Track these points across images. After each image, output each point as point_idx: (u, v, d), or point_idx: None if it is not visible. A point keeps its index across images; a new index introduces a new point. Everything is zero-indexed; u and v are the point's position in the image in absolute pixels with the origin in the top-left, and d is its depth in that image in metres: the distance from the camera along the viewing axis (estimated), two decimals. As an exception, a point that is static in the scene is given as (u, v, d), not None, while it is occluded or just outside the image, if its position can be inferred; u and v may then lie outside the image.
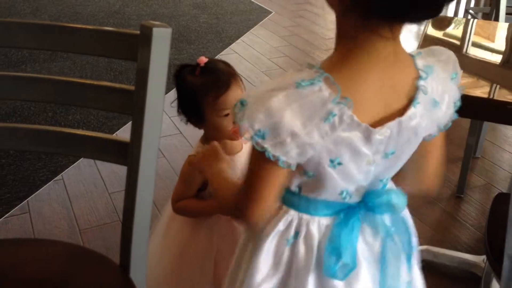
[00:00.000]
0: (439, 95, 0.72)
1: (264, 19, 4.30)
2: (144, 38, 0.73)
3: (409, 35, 4.06)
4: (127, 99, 0.76)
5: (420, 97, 0.69)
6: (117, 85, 0.77)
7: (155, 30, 0.72)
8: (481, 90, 1.29)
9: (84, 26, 0.76)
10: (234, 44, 3.71)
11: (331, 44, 3.82)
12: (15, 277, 0.83)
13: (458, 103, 0.76)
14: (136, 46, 0.74)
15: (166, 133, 2.39)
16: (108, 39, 0.77)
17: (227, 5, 4.67)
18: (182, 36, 3.75)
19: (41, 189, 1.98)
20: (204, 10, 4.45)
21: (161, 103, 0.76)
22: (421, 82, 0.69)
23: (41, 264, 0.86)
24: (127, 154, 0.77)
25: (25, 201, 1.91)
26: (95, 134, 0.81)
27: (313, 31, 4.07)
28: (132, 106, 0.75)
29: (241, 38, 3.85)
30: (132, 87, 0.76)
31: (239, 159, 1.12)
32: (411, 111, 0.68)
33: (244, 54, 3.54)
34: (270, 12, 4.48)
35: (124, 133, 2.39)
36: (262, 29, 4.09)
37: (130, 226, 0.77)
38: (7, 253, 0.89)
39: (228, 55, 3.49)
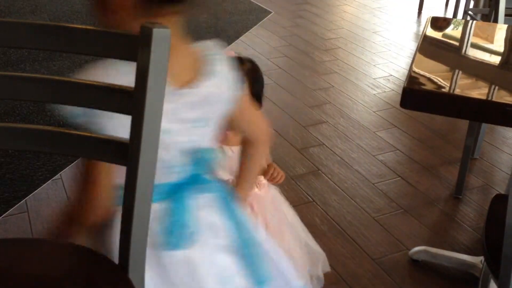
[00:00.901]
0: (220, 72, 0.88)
1: (264, 19, 4.31)
2: (144, 39, 0.73)
3: (408, 36, 4.07)
4: (126, 99, 0.76)
5: (208, 68, 0.85)
6: (116, 85, 0.77)
7: (155, 31, 0.72)
8: (479, 92, 1.29)
9: (84, 27, 0.76)
10: (233, 44, 3.71)
11: (330, 44, 3.83)
12: (13, 277, 0.83)
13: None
14: (135, 47, 0.74)
15: (165, 132, 2.39)
16: (108, 39, 0.77)
17: (227, 4, 4.67)
18: (182, 36, 3.76)
19: (39, 189, 1.98)
20: (204, 10, 4.45)
21: (161, 103, 0.76)
22: (209, 56, 0.87)
23: (39, 263, 0.86)
24: (127, 154, 0.77)
25: (24, 200, 1.91)
26: (94, 134, 0.81)
27: (312, 31, 4.07)
28: (132, 106, 0.75)
29: (241, 38, 3.85)
30: (132, 87, 0.76)
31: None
32: (201, 81, 0.84)
33: (244, 54, 3.54)
34: (270, 12, 4.49)
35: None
36: (262, 29, 4.09)
37: (129, 226, 0.78)
38: (5, 253, 0.89)
39: (227, 55, 3.49)
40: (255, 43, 3.79)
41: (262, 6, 4.66)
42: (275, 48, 3.72)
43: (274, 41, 3.86)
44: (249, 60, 1.18)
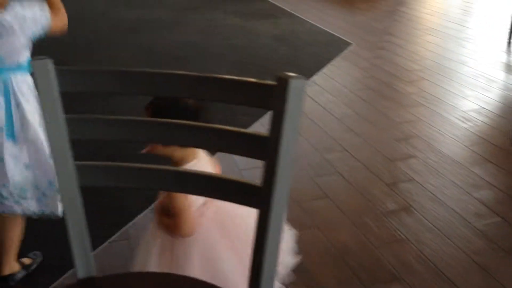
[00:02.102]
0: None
1: (344, 51, 4.32)
2: (281, 88, 0.76)
3: (498, 66, 3.90)
4: (261, 145, 0.80)
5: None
6: (251, 131, 0.81)
7: (291, 81, 0.76)
8: None
9: (223, 77, 0.81)
10: (314, 76, 3.75)
11: (415, 75, 3.76)
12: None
13: None
14: (271, 96, 0.78)
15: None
16: (243, 88, 0.81)
17: (306, 36, 4.74)
18: (263, 68, 3.85)
19: (138, 217, 2.08)
20: (283, 42, 4.54)
21: (294, 149, 0.79)
22: None
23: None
24: (258, 197, 0.81)
25: (124, 228, 2.01)
26: (225, 176, 0.86)
27: (395, 63, 4.02)
28: (266, 152, 0.79)
29: (322, 70, 3.88)
30: (266, 133, 0.80)
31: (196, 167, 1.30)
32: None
33: (325, 86, 3.57)
34: (350, 44, 4.49)
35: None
36: (343, 60, 4.10)
37: (260, 266, 0.80)
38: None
39: (309, 87, 3.52)
40: (337, 75, 3.80)
41: (342, 37, 4.68)
42: (357, 80, 3.71)
43: (356, 73, 3.85)
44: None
